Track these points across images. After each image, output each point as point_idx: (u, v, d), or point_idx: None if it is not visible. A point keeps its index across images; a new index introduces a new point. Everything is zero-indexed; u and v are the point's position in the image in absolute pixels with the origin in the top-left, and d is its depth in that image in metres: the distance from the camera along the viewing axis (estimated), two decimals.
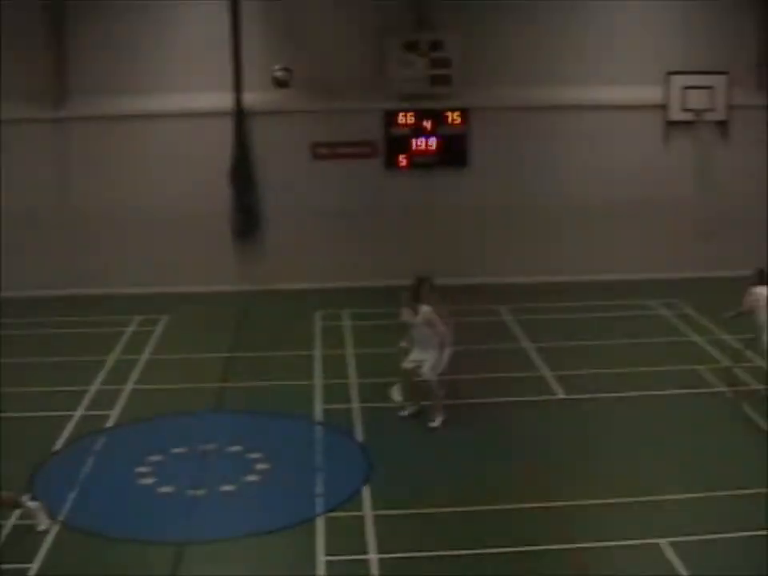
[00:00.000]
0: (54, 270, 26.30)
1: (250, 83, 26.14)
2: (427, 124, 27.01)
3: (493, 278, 26.30)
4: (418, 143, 27.12)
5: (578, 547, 12.89)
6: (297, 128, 26.78)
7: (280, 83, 24.39)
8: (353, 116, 26.96)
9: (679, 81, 27.31)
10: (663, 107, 27.52)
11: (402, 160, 27.15)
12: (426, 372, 17.19)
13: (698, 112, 27.43)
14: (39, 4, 26.15)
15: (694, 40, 27.51)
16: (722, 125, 27.80)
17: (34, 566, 12.41)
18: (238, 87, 26.08)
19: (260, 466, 15.52)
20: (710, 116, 27.52)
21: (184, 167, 26.45)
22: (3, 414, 17.78)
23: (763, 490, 14.39)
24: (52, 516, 13.65)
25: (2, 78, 26.03)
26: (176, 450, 16.18)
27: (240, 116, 26.35)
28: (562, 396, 18.66)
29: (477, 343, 20.96)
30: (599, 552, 12.84)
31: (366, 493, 14.53)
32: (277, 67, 24.20)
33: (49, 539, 13.04)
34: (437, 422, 17.22)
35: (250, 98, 26.19)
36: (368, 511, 13.95)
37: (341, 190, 26.93)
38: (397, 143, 27.09)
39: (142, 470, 15.44)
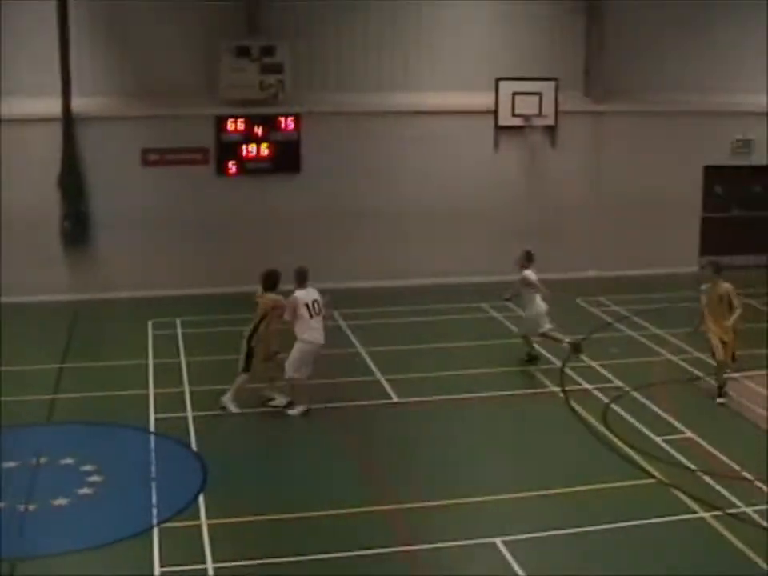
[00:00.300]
0: None
1: (81, 89, 25.80)
2: (258, 130, 26.94)
3: (327, 283, 26.25)
4: (250, 149, 27.02)
5: (415, 549, 13.00)
6: (127, 134, 26.43)
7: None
8: (184, 122, 26.73)
9: (508, 87, 27.81)
10: (493, 113, 27.96)
11: (234, 166, 27.01)
12: None
13: (527, 117, 27.96)
14: None
15: (522, 47, 28.14)
16: (551, 130, 28.40)
17: None
18: (66, 93, 25.76)
19: (93, 478, 15.26)
20: (538, 121, 28.07)
21: (13, 173, 25.81)
22: None
23: (594, 487, 14.78)
24: None
25: None
26: (6, 465, 15.77)
27: (69, 122, 25.97)
28: (396, 399, 18.80)
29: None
30: (436, 553, 12.98)
31: (201, 502, 14.43)
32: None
33: None
34: None
35: (80, 104, 25.83)
36: (204, 520, 13.86)
37: (172, 196, 26.71)
38: (228, 149, 26.96)
39: None
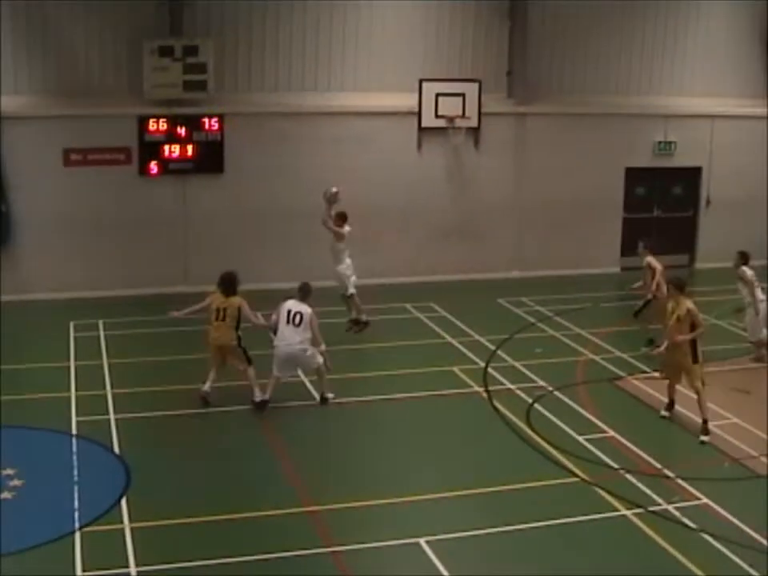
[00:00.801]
0: None
1: (3, 87, 25.47)
2: (182, 130, 26.77)
3: (248, 284, 26.15)
4: (172, 149, 26.84)
5: (339, 550, 13.02)
6: (49, 133, 26.09)
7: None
8: (106, 122, 26.44)
9: (431, 88, 27.89)
10: (416, 114, 28.03)
11: (156, 166, 26.81)
12: None
13: (450, 119, 28.06)
14: None
15: (445, 48, 28.21)
16: (474, 131, 28.52)
17: None
18: None
19: (14, 482, 15.05)
20: (462, 122, 28.18)
21: None
22: None
23: (517, 486, 14.90)
24: None
25: None
26: None
27: None
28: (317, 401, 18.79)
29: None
30: (360, 553, 13.00)
31: (124, 505, 14.32)
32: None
33: None
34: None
35: (1, 103, 25.50)
36: (126, 523, 13.76)
37: (94, 197, 26.41)
38: (151, 149, 26.74)
39: None
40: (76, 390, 19.31)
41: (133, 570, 12.52)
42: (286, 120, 27.36)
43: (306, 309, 18.33)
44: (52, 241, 26.21)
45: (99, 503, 14.35)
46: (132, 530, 13.57)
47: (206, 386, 18.44)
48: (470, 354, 21.46)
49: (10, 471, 15.39)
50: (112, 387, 19.44)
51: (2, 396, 18.97)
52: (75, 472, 15.50)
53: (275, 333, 18.44)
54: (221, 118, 26.90)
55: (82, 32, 26.17)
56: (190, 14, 26.56)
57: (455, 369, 20.56)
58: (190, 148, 26.89)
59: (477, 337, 22.65)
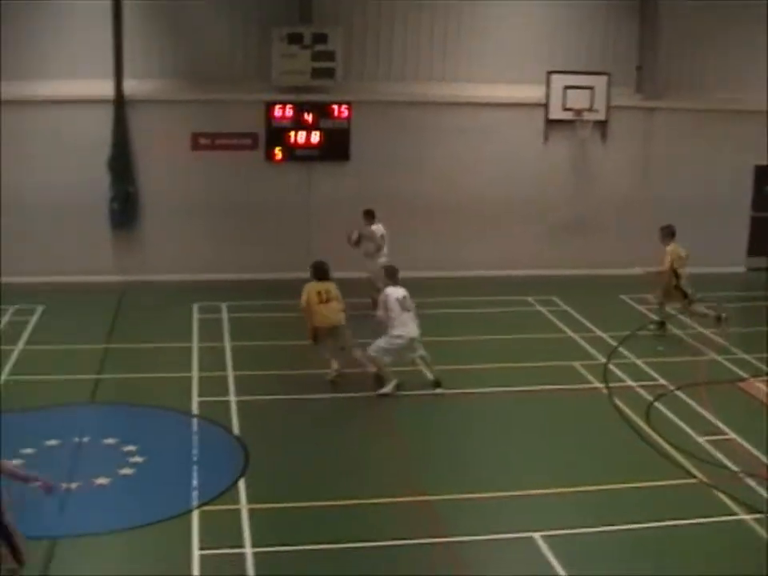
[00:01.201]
0: None
1: (132, 71, 25.93)
2: (309, 117, 26.94)
3: (363, 272, 26.29)
4: (299, 136, 27.03)
5: (452, 541, 12.99)
6: (177, 118, 26.50)
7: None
8: (234, 107, 26.77)
9: (560, 80, 27.66)
10: (544, 106, 27.84)
11: (282, 153, 27.03)
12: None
13: (577, 111, 27.81)
14: None
15: (575, 40, 27.97)
16: (602, 125, 28.22)
17: None
18: (118, 75, 25.86)
19: (135, 459, 15.35)
20: (589, 116, 27.90)
21: (63, 155, 25.98)
22: None
23: (634, 485, 14.71)
24: None
25: None
26: (49, 443, 15.91)
27: (120, 104, 26.10)
28: (442, 390, 18.75)
29: (361, 338, 21.07)
30: (473, 545, 12.95)
31: (241, 486, 14.47)
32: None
33: None
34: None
35: (131, 87, 25.98)
36: (243, 504, 13.90)
37: (220, 181, 26.77)
38: (277, 136, 26.97)
39: (14, 462, 15.11)
40: (198, 371, 19.59)
41: (248, 550, 12.63)
42: (411, 109, 27.37)
43: (407, 292, 18.59)
44: (177, 223, 26.61)
45: (217, 483, 14.52)
46: (249, 511, 13.70)
47: (334, 370, 18.90)
48: (590, 350, 21.26)
49: (131, 448, 15.69)
50: (233, 369, 19.68)
51: (126, 374, 19.36)
52: (195, 451, 15.72)
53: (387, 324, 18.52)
54: (349, 106, 27.00)
55: (212, 18, 26.48)
56: (320, 2, 26.70)
57: (575, 364, 20.37)
58: (316, 135, 27.05)
59: (598, 332, 22.43)
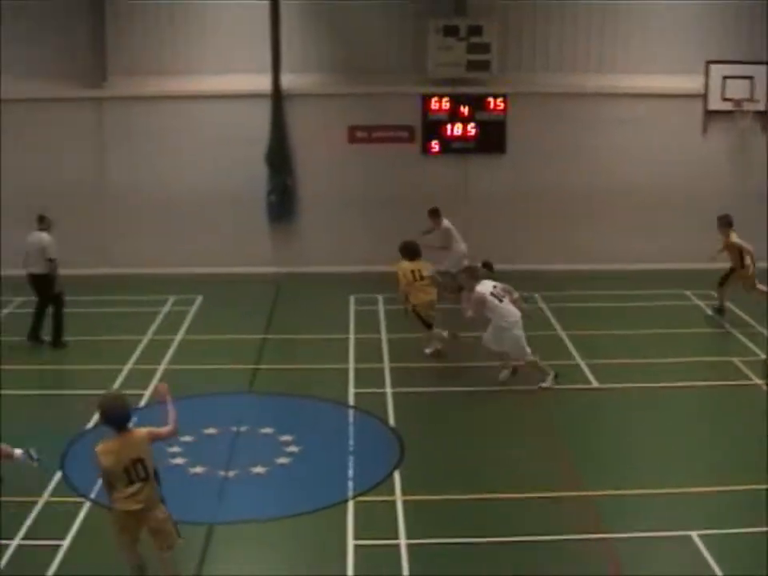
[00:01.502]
0: (90, 249, 26.37)
1: (289, 65, 26.25)
2: (465, 109, 26.89)
3: (528, 264, 26.16)
4: (455, 129, 27.00)
5: (608, 537, 12.84)
6: (334, 111, 26.76)
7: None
8: (390, 100, 26.89)
9: (719, 70, 27.08)
10: (702, 96, 27.31)
11: (438, 145, 27.04)
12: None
13: (737, 102, 27.20)
14: None
15: (734, 29, 27.30)
16: (761, 115, 27.54)
17: (66, 543, 12.51)
18: (276, 69, 26.17)
19: (291, 449, 15.53)
20: (749, 106, 27.28)
21: (221, 148, 26.48)
22: (40, 392, 18.00)
23: None
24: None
25: (44, 57, 26.33)
26: (208, 431, 16.22)
27: (278, 98, 26.43)
28: (596, 385, 18.57)
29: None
30: (630, 542, 12.76)
31: (396, 477, 14.51)
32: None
33: (80, 516, 13.11)
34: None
35: (288, 81, 26.29)
36: (399, 496, 13.94)
37: (377, 174, 26.90)
38: (433, 128, 27.00)
39: (174, 449, 15.46)
40: (355, 362, 19.73)
41: (402, 541, 12.65)
42: (568, 100, 27.12)
43: (496, 283, 18.47)
44: (334, 216, 26.85)
45: (372, 474, 14.59)
46: (403, 502, 13.74)
47: (433, 347, 19.80)
48: (751, 346, 20.79)
49: (288, 438, 15.87)
50: (390, 361, 19.76)
51: (283, 365, 19.61)
52: (351, 442, 15.83)
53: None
54: (505, 98, 26.87)
55: (369, 11, 26.62)
56: None
57: (735, 360, 19.94)
58: (472, 127, 26.99)
59: (759, 328, 21.91)
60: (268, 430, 16.23)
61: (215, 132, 26.47)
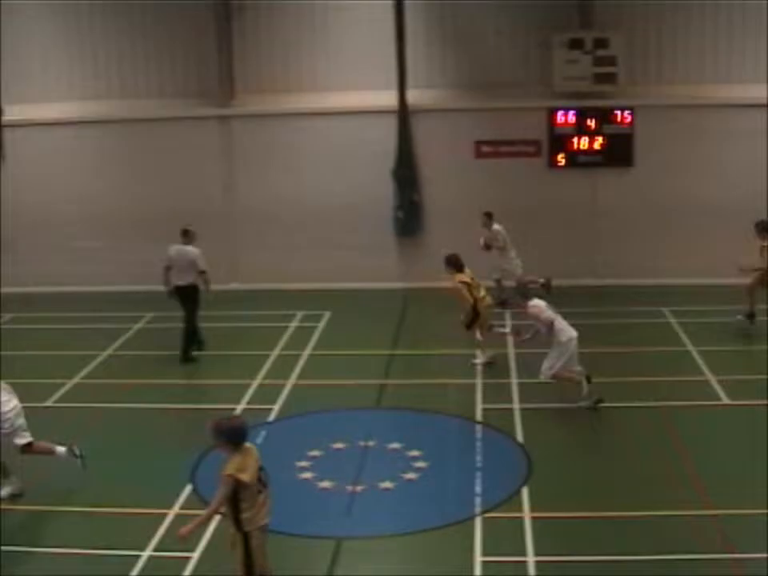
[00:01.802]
0: (219, 265, 26.69)
1: (415, 81, 26.37)
2: (591, 123, 26.71)
3: (657, 279, 25.87)
4: (581, 142, 26.83)
5: (738, 557, 12.57)
6: (460, 126, 26.82)
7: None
8: (516, 114, 26.84)
9: None
10: None
11: (565, 159, 26.89)
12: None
13: None
14: (206, 4, 26.78)
15: None
16: None
17: (196, 555, 12.70)
18: (402, 85, 26.31)
19: (419, 464, 15.53)
20: None
21: (348, 164, 26.78)
22: (170, 405, 18.30)
23: None
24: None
25: (171, 76, 26.95)
26: (336, 446, 16.32)
27: (404, 114, 26.55)
28: (726, 402, 18.25)
29: (641, 345, 20.78)
30: (761, 563, 12.48)
31: (524, 494, 14.43)
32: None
33: (210, 529, 13.26)
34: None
35: (414, 96, 26.40)
36: (527, 513, 13.87)
37: (503, 188, 26.84)
38: (559, 142, 26.87)
39: (303, 464, 15.61)
40: (482, 378, 19.68)
41: (530, 558, 12.58)
42: (696, 112, 26.73)
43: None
44: (461, 231, 26.70)
45: (500, 490, 14.52)
46: (532, 519, 13.65)
47: (485, 356, 20.29)
48: None
49: (416, 453, 15.89)
50: (517, 377, 19.65)
51: (410, 380, 19.63)
52: (478, 458, 15.78)
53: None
54: (632, 111, 26.61)
55: (493, 25, 26.64)
56: (601, 6, 26.42)
57: None
58: (598, 141, 26.79)
59: None
60: (396, 445, 16.26)
61: (342, 148, 26.75)
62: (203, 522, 10.99)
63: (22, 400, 18.38)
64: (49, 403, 19.14)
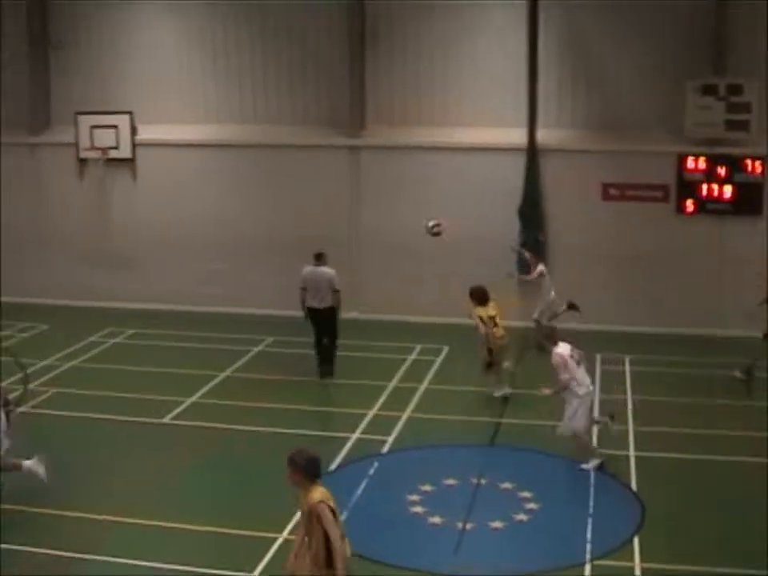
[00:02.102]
0: (344, 294, 26.78)
1: (544, 120, 26.34)
2: (722, 170, 26.35)
3: None
4: (711, 189, 26.49)
5: None
6: (588, 167, 26.65)
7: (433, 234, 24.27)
8: (645, 158, 26.61)
9: None
10: None
11: (693, 205, 26.57)
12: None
13: None
14: (341, 34, 27.16)
15: None
16: None
17: None
18: (532, 124, 26.30)
19: (530, 505, 15.44)
20: None
21: (473, 200, 26.74)
22: (284, 430, 18.46)
23: None
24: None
25: (304, 104, 27.41)
26: (448, 482, 16.32)
27: (533, 152, 26.52)
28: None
29: None
30: None
31: (636, 543, 14.24)
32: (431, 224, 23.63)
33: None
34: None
35: (543, 135, 26.37)
36: (637, 563, 13.68)
37: (629, 232, 26.60)
38: (688, 188, 26.54)
39: (413, 497, 15.64)
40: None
41: None
42: None
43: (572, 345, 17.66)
44: (585, 272, 26.60)
45: (612, 538, 14.36)
46: (642, 570, 13.46)
47: (505, 390, 20.74)
48: None
49: (527, 494, 15.80)
50: (634, 424, 19.40)
51: (525, 420, 19.51)
52: (590, 503, 15.66)
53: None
54: (763, 160, 26.21)
55: (625, 68, 26.54)
56: (735, 53, 26.08)
57: None
58: (728, 189, 26.42)
59: None
60: (508, 485, 16.19)
61: (468, 183, 26.78)
62: (340, 551, 10.72)
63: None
64: (166, 420, 19.51)
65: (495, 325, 20.64)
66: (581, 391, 17.15)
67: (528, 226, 26.77)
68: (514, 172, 26.62)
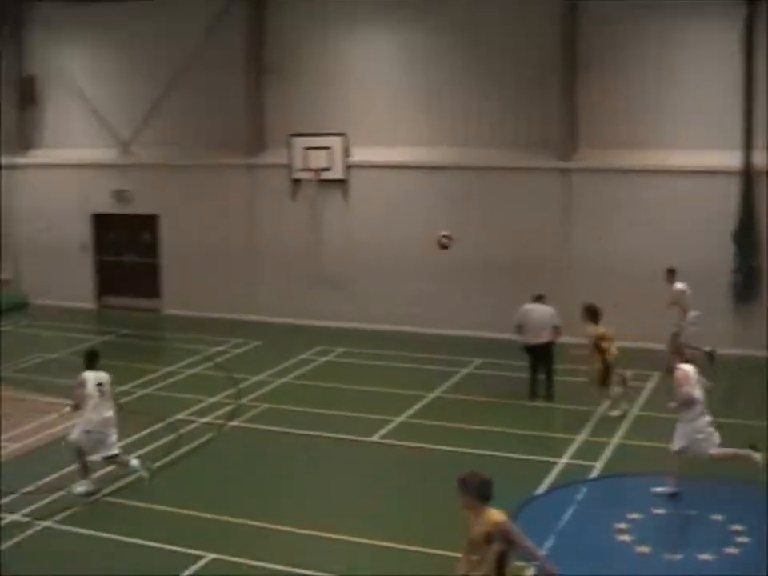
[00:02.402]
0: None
1: (760, 143, 25.70)
2: None
3: None
4: None
5: None
6: None
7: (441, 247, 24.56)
8: None
9: None
10: None
11: None
12: None
13: None
14: (552, 58, 27.23)
15: None
16: None
17: None
18: (748, 146, 25.74)
19: (741, 539, 15.05)
20: None
21: (687, 223, 26.23)
22: (489, 452, 18.46)
23: None
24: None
25: (515, 127, 27.49)
26: (657, 511, 16.11)
27: (749, 175, 25.93)
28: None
29: None
30: None
31: None
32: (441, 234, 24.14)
33: None
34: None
35: (759, 158, 25.73)
36: None
37: None
38: None
39: (621, 526, 15.47)
40: None
41: None
42: None
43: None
44: None
45: None
46: None
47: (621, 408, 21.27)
48: None
49: (739, 527, 15.40)
50: None
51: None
52: None
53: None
54: None
55: None
56: None
57: None
58: None
59: None
60: (718, 517, 15.82)
61: (682, 207, 26.28)
62: (540, 556, 10.93)
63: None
64: (374, 438, 19.76)
65: (611, 342, 21.20)
66: (698, 409, 16.66)
67: (743, 251, 26.15)
68: (727, 195, 26.04)
